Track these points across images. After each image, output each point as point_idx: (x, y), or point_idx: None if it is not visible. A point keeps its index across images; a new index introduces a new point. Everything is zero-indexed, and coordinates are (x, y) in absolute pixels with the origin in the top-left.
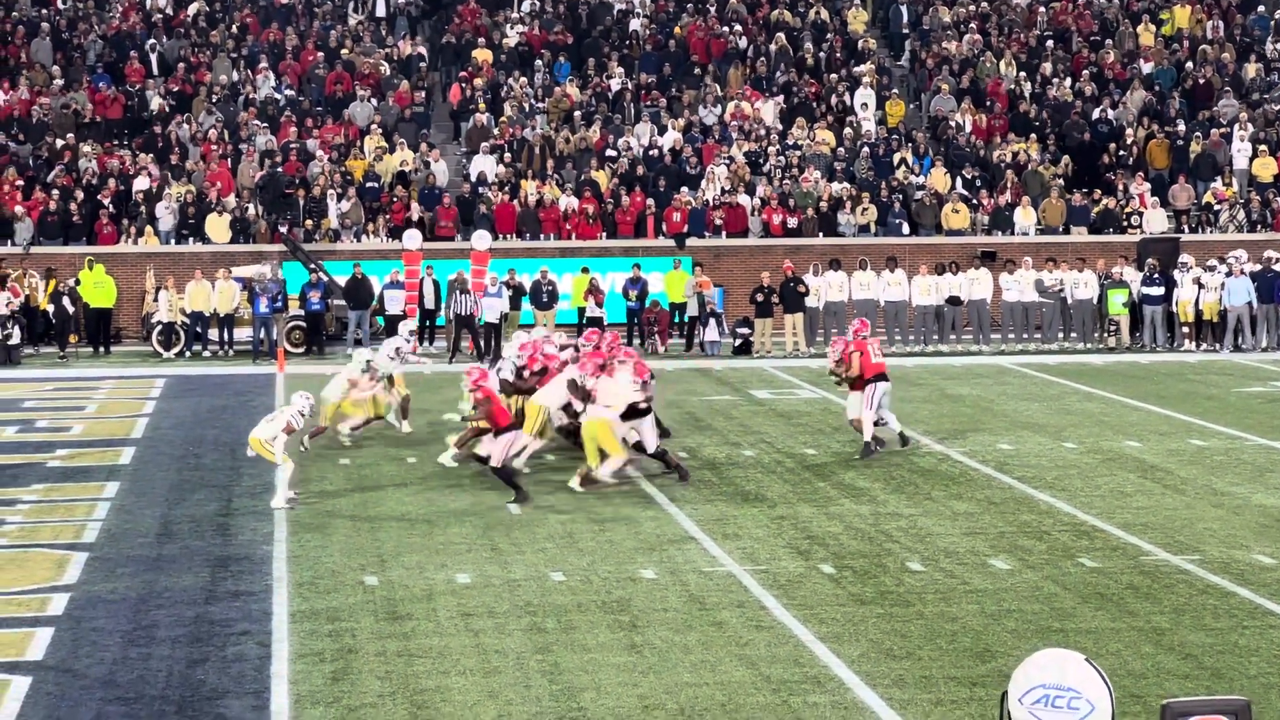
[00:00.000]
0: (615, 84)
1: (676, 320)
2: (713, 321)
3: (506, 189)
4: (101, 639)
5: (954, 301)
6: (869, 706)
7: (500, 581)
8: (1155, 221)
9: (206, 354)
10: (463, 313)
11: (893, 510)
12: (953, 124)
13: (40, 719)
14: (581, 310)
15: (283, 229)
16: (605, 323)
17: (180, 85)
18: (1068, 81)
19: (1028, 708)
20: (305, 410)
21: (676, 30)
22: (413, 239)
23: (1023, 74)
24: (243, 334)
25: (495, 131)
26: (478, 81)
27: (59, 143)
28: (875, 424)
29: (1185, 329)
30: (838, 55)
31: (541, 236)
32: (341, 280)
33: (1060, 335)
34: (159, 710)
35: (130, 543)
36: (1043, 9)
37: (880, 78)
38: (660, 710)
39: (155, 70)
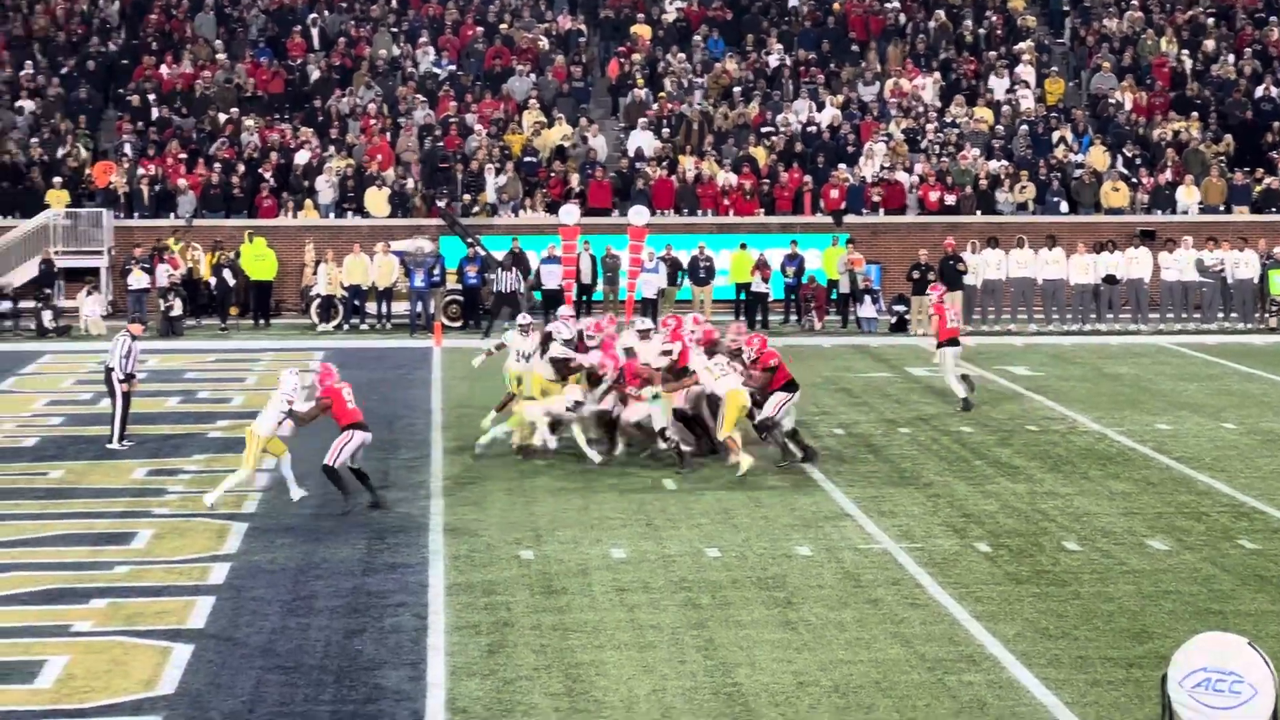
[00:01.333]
0: (774, 60)
1: (833, 297)
2: (868, 298)
3: (664, 164)
4: (261, 608)
5: (1111, 280)
6: (1024, 685)
7: (655, 557)
8: None
9: (364, 327)
10: (505, 290)
11: (1049, 489)
12: (1112, 102)
13: (202, 686)
14: (742, 286)
15: (441, 203)
16: (769, 299)
17: (341, 59)
18: (1230, 59)
19: (1188, 691)
20: (296, 386)
21: (835, 6)
22: (570, 214)
23: (1184, 51)
24: (400, 308)
25: (654, 107)
26: (636, 57)
27: (221, 117)
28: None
29: None
30: (998, 32)
31: (699, 212)
32: (499, 255)
33: (1220, 315)
34: (317, 679)
35: (289, 514)
36: None
37: (1040, 55)
38: (815, 687)
39: (316, 44)
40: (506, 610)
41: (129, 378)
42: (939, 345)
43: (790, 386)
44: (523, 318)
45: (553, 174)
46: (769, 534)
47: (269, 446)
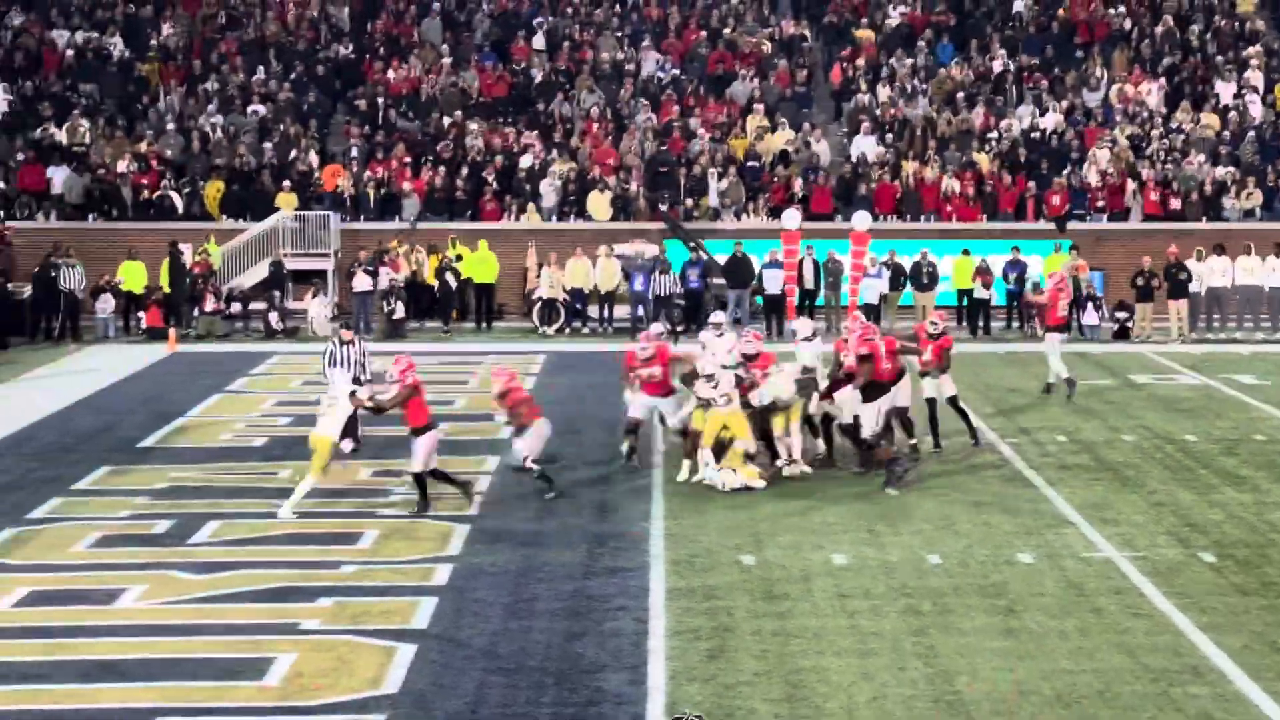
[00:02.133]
0: (998, 65)
1: None
2: (1090, 305)
3: (887, 169)
4: (483, 610)
5: None
6: (1251, 700)
7: (876, 563)
8: None
9: (586, 331)
10: (662, 293)
11: (1276, 499)
12: None
13: (425, 686)
14: (964, 292)
15: (663, 207)
16: (991, 305)
17: (565, 63)
18: None
19: None
20: (349, 382)
21: (1060, 11)
22: (792, 218)
23: None
24: (622, 311)
25: (876, 112)
26: (859, 61)
27: (446, 120)
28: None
29: None
30: (1225, 37)
31: (922, 218)
32: (721, 259)
33: None
34: (538, 681)
35: (511, 516)
36: None
37: (1269, 60)
38: (1036, 696)
39: (541, 48)
40: (727, 615)
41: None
42: (1047, 330)
43: (883, 388)
44: (716, 315)
45: (775, 179)
46: (990, 541)
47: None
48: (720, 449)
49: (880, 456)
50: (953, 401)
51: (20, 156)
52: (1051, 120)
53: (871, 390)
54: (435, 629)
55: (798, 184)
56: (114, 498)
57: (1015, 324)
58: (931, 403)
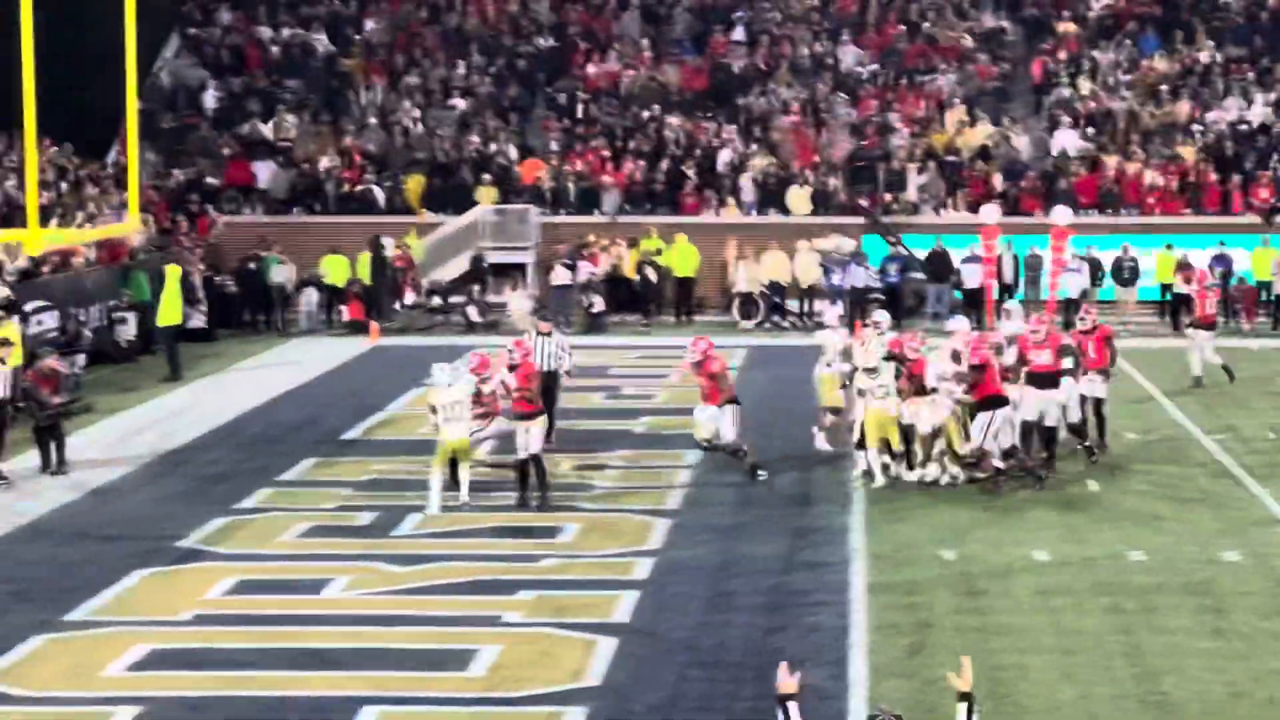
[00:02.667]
0: (1204, 57)
1: (1263, 299)
2: None
3: (1088, 163)
4: (683, 604)
5: None
6: None
7: (1078, 559)
8: None
9: (785, 325)
10: (860, 287)
11: None
12: None
13: (625, 679)
14: (1166, 287)
15: (863, 201)
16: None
17: (764, 57)
18: None
19: None
20: (463, 377)
21: (1270, 1)
22: (991, 213)
23: None
24: (821, 305)
25: (1078, 105)
26: (1060, 54)
27: (645, 113)
28: None
29: None
30: None
31: (1123, 212)
32: (921, 254)
33: None
34: (738, 676)
35: (711, 510)
36: None
37: None
38: (1248, 699)
39: (739, 42)
40: (928, 610)
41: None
42: (1193, 326)
43: (998, 401)
44: (877, 314)
45: (974, 173)
46: (1195, 539)
47: (456, 449)
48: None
49: (985, 467)
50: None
51: (227, 151)
52: (1259, 112)
53: (986, 403)
54: (636, 623)
55: (997, 179)
56: (319, 489)
57: (1220, 318)
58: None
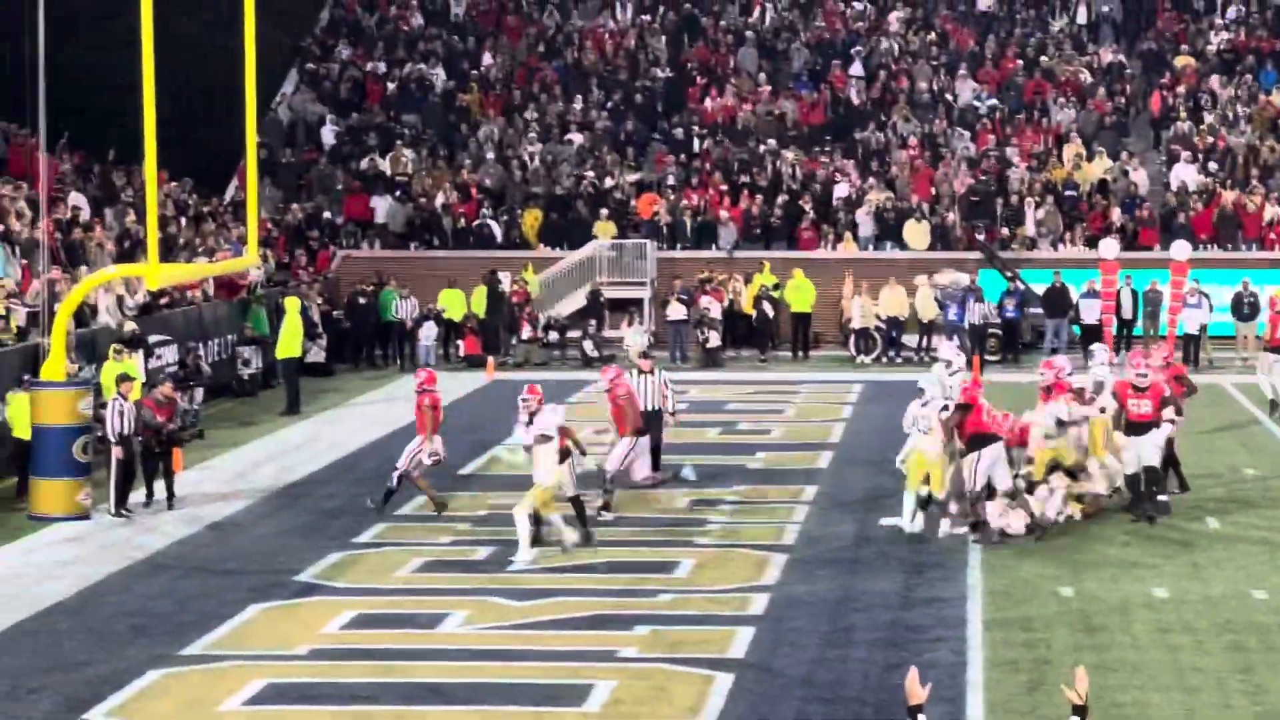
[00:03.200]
0: None
1: None
2: None
3: (1206, 197)
4: (800, 639)
5: None
6: None
7: (1198, 597)
8: None
9: (900, 360)
10: (978, 322)
11: None
12: None
13: (742, 714)
14: None
15: (980, 236)
16: None
17: (881, 92)
18: None
19: None
20: (553, 421)
21: None
22: (1109, 248)
23: None
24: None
25: (1196, 139)
26: (1179, 88)
27: (762, 148)
28: None
29: None
30: None
31: (1243, 247)
32: (1039, 288)
33: None
34: (856, 712)
35: (828, 546)
36: None
37: None
38: None
39: (857, 77)
40: (1046, 647)
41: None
42: (1268, 349)
43: (985, 440)
44: (944, 350)
45: (1093, 207)
46: None
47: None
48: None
49: (976, 512)
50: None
51: (343, 187)
52: None
53: (974, 442)
54: (752, 658)
55: (1115, 213)
56: (436, 524)
57: None
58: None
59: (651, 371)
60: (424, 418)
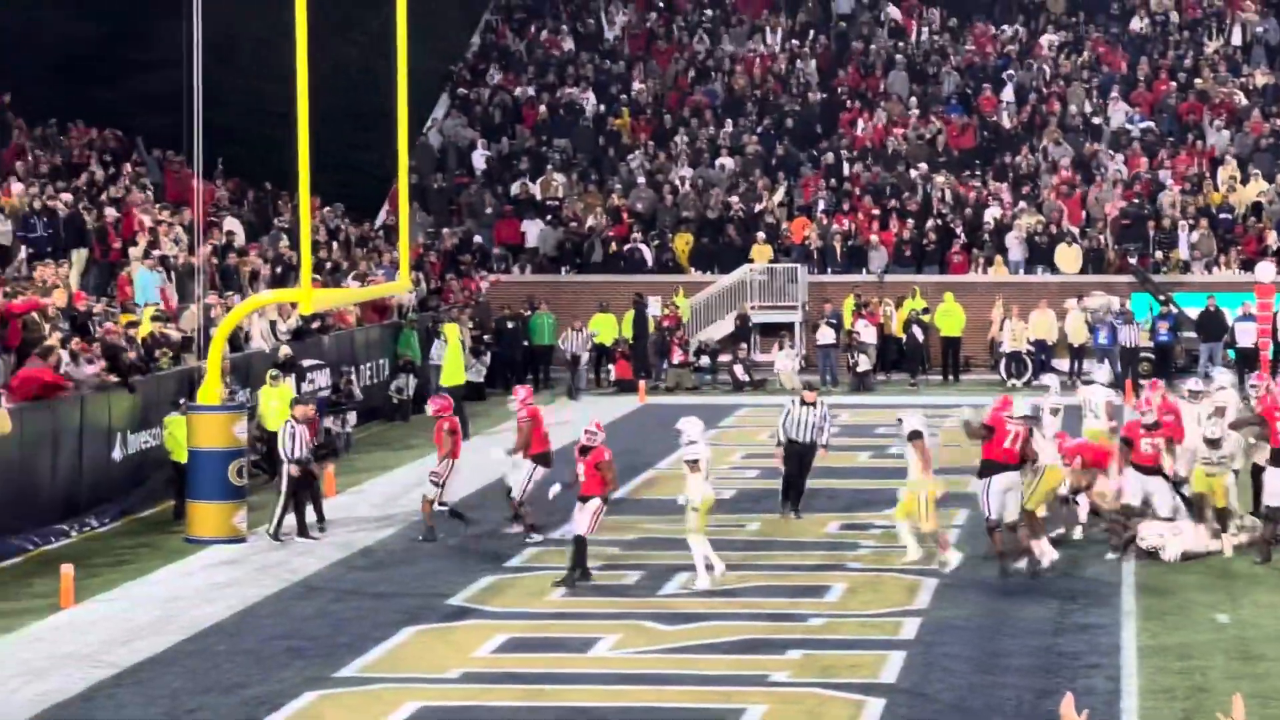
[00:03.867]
0: None
1: None
2: None
3: None
4: (951, 664)
5: None
6: None
7: None
8: None
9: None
10: (1129, 346)
11: None
12: None
13: None
14: None
15: (1132, 260)
16: None
17: (1032, 115)
18: None
19: None
20: (697, 447)
21: None
22: (1266, 271)
23: None
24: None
25: None
26: None
27: (913, 172)
28: None
29: None
30: None
31: None
32: (1193, 312)
33: None
34: None
35: (979, 571)
36: None
37: None
38: None
39: (1008, 100)
40: (1202, 675)
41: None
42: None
43: (994, 468)
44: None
45: (1248, 230)
46: None
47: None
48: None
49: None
50: None
51: (491, 211)
52: None
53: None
54: (904, 683)
55: (1271, 236)
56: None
57: None
58: None
59: (815, 404)
60: (442, 441)
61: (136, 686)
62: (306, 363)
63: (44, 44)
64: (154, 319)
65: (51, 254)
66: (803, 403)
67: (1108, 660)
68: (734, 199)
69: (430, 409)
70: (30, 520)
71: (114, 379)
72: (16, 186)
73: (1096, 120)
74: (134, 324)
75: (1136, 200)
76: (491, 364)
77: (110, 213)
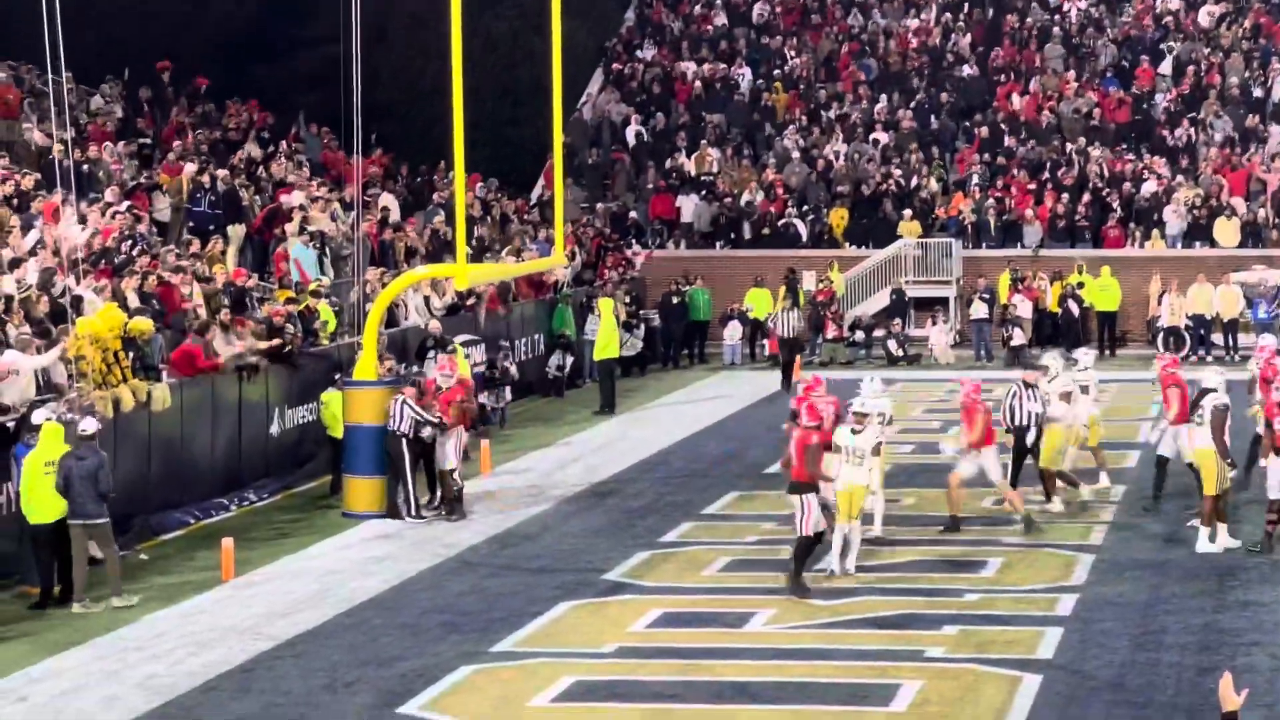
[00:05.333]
0: None
1: None
2: None
3: None
4: (1109, 641)
5: None
6: None
7: None
8: None
9: (1210, 359)
10: None
11: None
12: None
13: (1052, 717)
14: None
15: None
16: None
17: (1191, 87)
18: None
19: None
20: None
21: None
22: None
23: None
24: (1247, 340)
25: None
26: None
27: (1069, 146)
28: None
29: None
30: None
31: None
32: None
33: None
34: (1168, 717)
35: (1137, 546)
36: None
37: None
38: None
39: (1166, 73)
40: None
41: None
42: None
43: None
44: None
45: None
46: None
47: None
48: None
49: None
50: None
51: (651, 186)
52: None
53: None
54: (1060, 659)
55: None
56: (742, 523)
57: None
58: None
59: (1035, 385)
60: (450, 414)
61: (295, 659)
62: (462, 338)
63: (206, 23)
64: (312, 294)
65: (212, 231)
66: (1025, 384)
67: (1269, 638)
68: (894, 172)
69: None
70: (191, 494)
71: (261, 359)
72: (179, 165)
73: (1257, 92)
74: (292, 300)
75: None
76: (650, 338)
77: (266, 190)
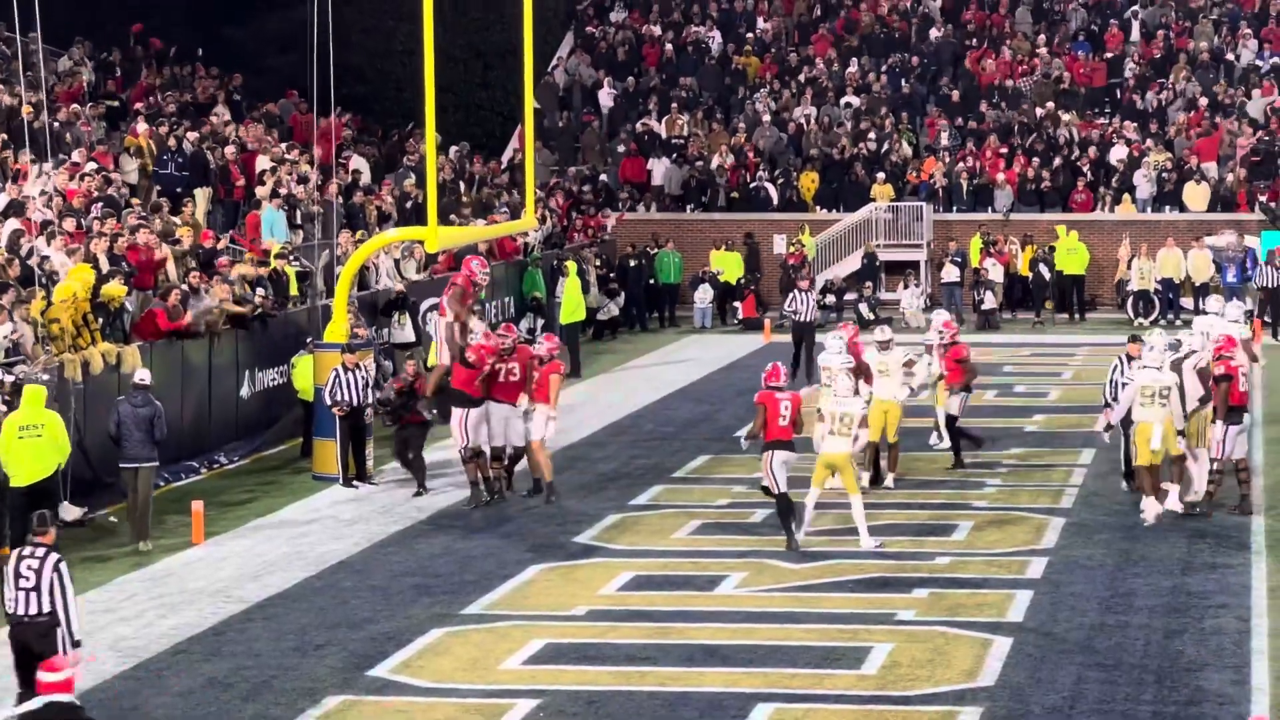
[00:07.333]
0: None
1: None
2: None
3: None
4: (1079, 604)
5: None
6: None
7: None
8: None
9: (1179, 323)
10: (1270, 285)
11: None
12: None
13: (1022, 680)
14: None
15: (1262, 198)
16: None
17: (1160, 52)
18: None
19: None
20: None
21: None
22: None
23: None
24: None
25: None
26: None
27: (1038, 110)
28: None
29: None
30: None
31: None
32: None
33: None
34: (1138, 678)
35: (1106, 510)
36: None
37: None
38: None
39: (1135, 37)
40: None
41: None
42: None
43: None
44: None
45: None
46: None
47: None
48: None
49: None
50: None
51: (622, 149)
52: None
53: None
54: (1030, 622)
55: None
56: (713, 486)
57: None
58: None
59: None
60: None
61: (266, 621)
62: (429, 302)
63: None
64: (278, 257)
65: (180, 195)
66: (1129, 357)
67: (1237, 600)
68: (867, 135)
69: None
70: (160, 457)
71: (235, 307)
72: (143, 126)
73: (1227, 57)
74: (261, 263)
75: (1267, 138)
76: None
77: (231, 151)
